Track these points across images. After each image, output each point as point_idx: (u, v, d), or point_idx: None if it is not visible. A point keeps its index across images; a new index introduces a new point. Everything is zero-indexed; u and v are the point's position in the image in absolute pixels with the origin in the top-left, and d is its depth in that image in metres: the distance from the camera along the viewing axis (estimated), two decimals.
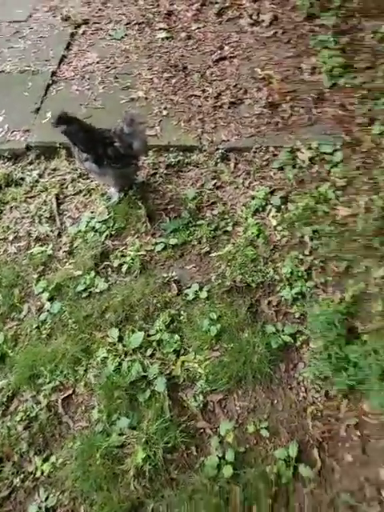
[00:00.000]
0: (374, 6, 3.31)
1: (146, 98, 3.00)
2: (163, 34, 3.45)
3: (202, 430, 1.77)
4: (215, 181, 2.59)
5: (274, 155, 2.64)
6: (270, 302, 2.10)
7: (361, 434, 1.71)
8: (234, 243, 2.31)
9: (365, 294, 2.04)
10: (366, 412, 1.75)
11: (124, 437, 1.72)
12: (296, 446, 1.68)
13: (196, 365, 1.91)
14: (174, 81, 3.11)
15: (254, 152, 2.68)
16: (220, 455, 1.68)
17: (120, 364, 1.91)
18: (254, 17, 3.51)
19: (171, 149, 2.70)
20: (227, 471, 1.63)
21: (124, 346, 1.96)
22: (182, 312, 2.07)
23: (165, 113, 2.90)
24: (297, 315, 2.04)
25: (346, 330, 1.91)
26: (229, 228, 2.38)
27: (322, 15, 3.30)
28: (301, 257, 2.20)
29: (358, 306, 2.01)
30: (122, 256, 2.27)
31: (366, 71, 2.90)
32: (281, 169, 2.58)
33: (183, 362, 1.92)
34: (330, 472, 1.64)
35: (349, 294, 2.03)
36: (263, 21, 3.47)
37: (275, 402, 1.82)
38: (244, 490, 1.60)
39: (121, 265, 2.24)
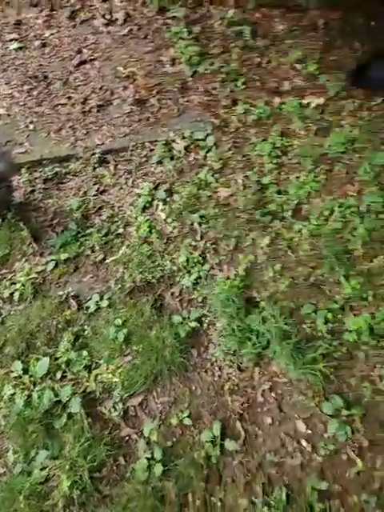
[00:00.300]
0: None
1: (9, 115, 2.85)
2: (15, 45, 3.29)
3: (127, 438, 1.76)
4: (98, 186, 2.56)
5: (151, 150, 2.67)
6: (172, 294, 2.14)
7: (275, 394, 1.83)
8: (128, 244, 2.30)
9: (255, 265, 2.16)
10: (276, 373, 1.87)
11: (46, 470, 1.65)
12: (219, 424, 1.74)
13: (110, 375, 1.88)
14: (36, 92, 2.99)
15: (132, 150, 2.69)
16: (149, 456, 1.68)
17: (29, 396, 1.82)
18: (107, 16, 3.49)
19: (45, 162, 2.60)
20: (158, 470, 1.64)
21: (30, 376, 1.87)
22: (85, 326, 2.02)
23: (32, 127, 2.79)
24: (199, 299, 2.10)
25: (245, 302, 2.02)
26: (120, 230, 2.37)
27: (171, 8, 3.38)
28: (194, 243, 2.27)
29: (251, 276, 2.12)
30: (12, 284, 2.15)
31: (221, 56, 3.04)
32: (160, 162, 2.62)
33: (96, 376, 1.89)
34: (253, 438, 1.73)
35: (241, 268, 2.14)
36: (117, 19, 3.46)
37: (193, 388, 1.87)
38: (177, 483, 1.62)
39: (12, 294, 2.12)
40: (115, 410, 1.80)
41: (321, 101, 2.69)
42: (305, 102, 2.70)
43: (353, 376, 1.80)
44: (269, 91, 2.82)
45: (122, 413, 1.80)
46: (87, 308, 2.07)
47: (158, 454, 1.67)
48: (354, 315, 1.92)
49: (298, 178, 2.41)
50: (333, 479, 1.61)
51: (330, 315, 1.92)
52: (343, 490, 1.58)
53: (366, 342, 1.84)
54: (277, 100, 2.76)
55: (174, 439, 1.74)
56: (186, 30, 3.20)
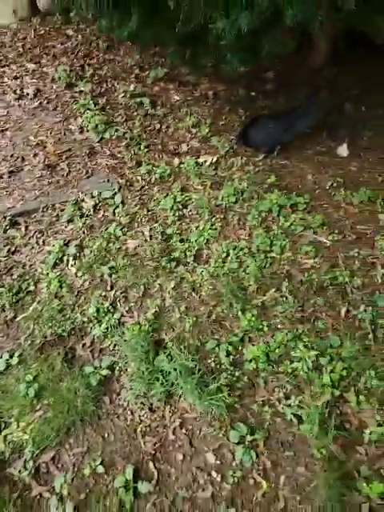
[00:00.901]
0: (121, 70, 3.91)
1: None
2: None
3: (38, 497, 1.71)
4: (8, 247, 2.63)
5: (62, 210, 2.83)
6: (84, 345, 2.20)
7: (186, 430, 1.91)
8: (39, 301, 2.36)
9: (163, 308, 2.31)
10: (186, 409, 1.97)
11: None
12: (131, 467, 1.77)
13: (20, 433, 1.87)
14: None
15: (42, 211, 2.82)
16: None
17: None
18: (18, 92, 3.75)
19: None
20: None
21: None
22: None
23: None
24: (111, 347, 2.18)
25: (154, 344, 2.14)
26: (31, 288, 2.42)
27: (78, 83, 3.73)
28: (104, 294, 2.38)
29: (159, 320, 2.26)
30: None
31: (125, 123, 3.38)
32: (70, 221, 2.76)
33: (6, 436, 1.86)
34: (166, 477, 1.78)
35: (150, 313, 2.28)
36: (28, 94, 3.73)
37: (106, 435, 1.90)
38: None
39: None
40: (25, 469, 1.77)
41: (214, 159, 3.06)
42: (200, 160, 3.06)
43: (255, 402, 1.95)
44: (169, 153, 3.16)
45: (32, 471, 1.77)
46: None
47: (69, 509, 1.65)
48: (253, 345, 2.10)
49: (197, 227, 2.67)
50: (241, 505, 1.69)
51: (230, 348, 2.10)
52: None
53: (264, 368, 2.02)
54: (176, 160, 3.10)
55: (88, 490, 1.73)
56: (92, 102, 3.54)
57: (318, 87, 3.42)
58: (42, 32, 4.42)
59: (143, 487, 1.73)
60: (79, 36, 4.36)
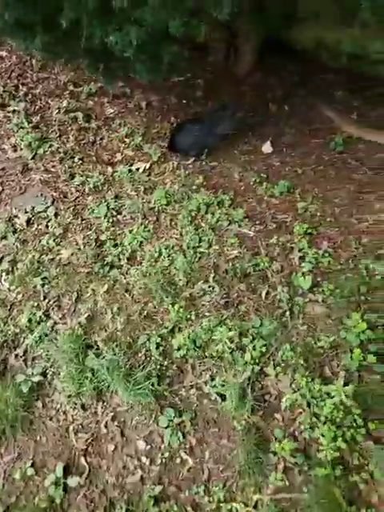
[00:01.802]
0: (55, 88, 4.17)
1: None
2: None
3: None
4: None
5: None
6: (16, 355, 2.35)
7: (118, 422, 2.08)
8: None
9: (96, 311, 2.49)
10: (118, 403, 2.13)
11: None
12: (61, 465, 1.91)
13: None
14: None
15: None
16: None
17: None
18: None
19: None
20: None
21: None
22: None
23: None
24: (43, 355, 2.33)
25: (85, 347, 2.30)
26: None
27: (11, 103, 3.96)
28: (36, 304, 2.55)
29: (93, 323, 2.44)
30: None
31: (59, 138, 3.61)
32: (4, 237, 2.94)
33: None
34: (97, 469, 1.94)
35: (83, 317, 2.45)
36: None
37: (38, 438, 2.04)
38: None
39: None
40: None
41: (146, 166, 3.31)
42: (133, 168, 3.31)
43: (183, 387, 2.14)
44: (102, 163, 3.40)
45: None
46: None
47: None
48: (181, 334, 2.29)
49: (131, 230, 2.89)
50: (168, 482, 1.85)
51: (160, 340, 2.29)
52: (177, 489, 1.82)
53: (192, 355, 2.21)
54: (110, 169, 3.34)
55: (18, 492, 1.86)
56: (25, 120, 3.77)
57: (243, 91, 3.75)
58: None
59: (73, 481, 1.87)
60: (13, 57, 4.62)
